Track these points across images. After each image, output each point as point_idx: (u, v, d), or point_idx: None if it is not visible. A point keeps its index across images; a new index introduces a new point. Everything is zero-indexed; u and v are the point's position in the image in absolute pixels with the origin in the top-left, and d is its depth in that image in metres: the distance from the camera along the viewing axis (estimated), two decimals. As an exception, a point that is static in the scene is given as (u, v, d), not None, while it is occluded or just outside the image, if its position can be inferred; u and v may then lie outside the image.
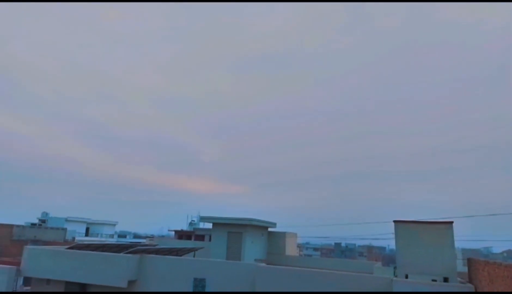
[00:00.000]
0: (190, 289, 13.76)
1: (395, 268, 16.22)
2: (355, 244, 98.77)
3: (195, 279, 13.83)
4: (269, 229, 26.09)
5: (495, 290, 9.25)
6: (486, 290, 10.27)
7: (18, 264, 15.94)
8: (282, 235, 26.19)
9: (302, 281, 12.53)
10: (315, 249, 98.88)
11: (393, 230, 15.36)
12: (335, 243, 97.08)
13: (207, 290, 13.63)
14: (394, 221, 15.39)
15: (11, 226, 40.51)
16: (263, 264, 14.49)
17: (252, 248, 23.06)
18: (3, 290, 14.91)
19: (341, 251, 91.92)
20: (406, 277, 13.78)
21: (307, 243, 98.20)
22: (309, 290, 12.26)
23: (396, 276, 14.06)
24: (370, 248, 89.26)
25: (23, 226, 43.73)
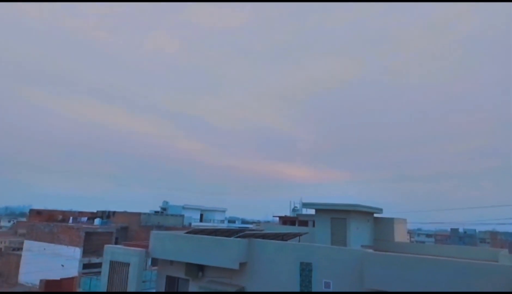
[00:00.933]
0: (297, 273, 14.14)
1: (525, 256, 14.37)
2: (475, 230, 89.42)
3: (301, 263, 14.15)
4: (375, 215, 25.18)
5: None
6: None
7: (146, 247, 18.11)
8: (389, 221, 25.04)
9: (414, 268, 11.88)
10: (428, 235, 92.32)
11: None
12: (452, 229, 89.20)
13: (313, 274, 13.86)
14: (522, 204, 13.62)
15: (139, 214, 46.40)
16: (371, 250, 14.13)
17: (357, 234, 22.55)
18: (137, 269, 17.23)
19: (458, 238, 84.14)
20: (540, 266, 12.12)
21: (419, 229, 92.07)
22: (422, 279, 11.60)
23: (526, 266, 12.48)
24: (493, 233, 79.85)
25: (148, 214, 49.63)
